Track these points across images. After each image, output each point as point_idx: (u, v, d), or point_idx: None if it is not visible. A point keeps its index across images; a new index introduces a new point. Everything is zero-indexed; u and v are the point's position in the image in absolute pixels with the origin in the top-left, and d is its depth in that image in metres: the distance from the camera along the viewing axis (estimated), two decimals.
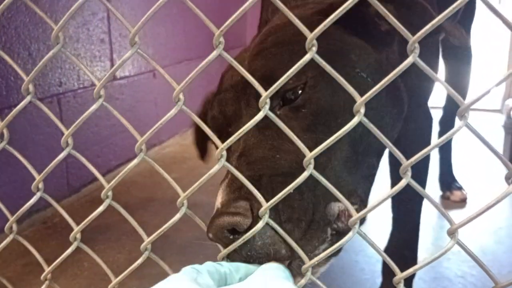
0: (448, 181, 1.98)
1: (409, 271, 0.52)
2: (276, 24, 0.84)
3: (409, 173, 0.50)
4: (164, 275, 1.50)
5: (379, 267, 1.46)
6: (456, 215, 1.81)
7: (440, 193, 1.98)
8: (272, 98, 0.55)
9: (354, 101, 0.51)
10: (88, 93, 2.08)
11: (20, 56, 1.72)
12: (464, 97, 1.91)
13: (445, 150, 1.99)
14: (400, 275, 0.53)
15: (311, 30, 0.51)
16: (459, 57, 1.81)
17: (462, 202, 1.92)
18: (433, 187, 1.97)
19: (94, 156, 2.12)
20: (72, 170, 1.98)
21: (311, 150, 0.53)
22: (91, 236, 1.60)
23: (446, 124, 1.92)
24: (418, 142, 1.12)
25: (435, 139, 1.98)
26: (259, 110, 0.54)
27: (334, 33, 0.74)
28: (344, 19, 0.59)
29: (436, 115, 1.76)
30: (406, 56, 0.49)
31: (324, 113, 0.70)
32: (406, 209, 1.17)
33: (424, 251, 1.48)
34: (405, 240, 1.19)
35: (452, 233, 0.51)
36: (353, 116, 0.51)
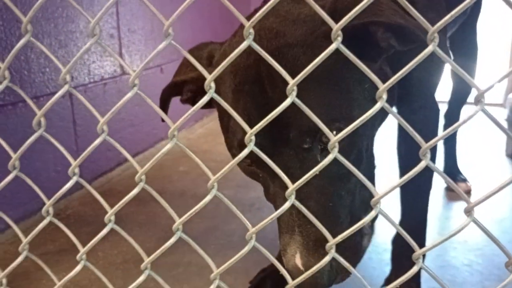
0: (452, 173, 2.01)
1: (428, 247, 0.55)
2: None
3: (429, 155, 0.54)
4: (178, 265, 1.53)
5: (386, 256, 1.49)
6: (461, 206, 1.84)
7: (445, 185, 2.01)
8: (310, 140, 0.70)
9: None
10: (98, 87, 2.11)
11: (34, 50, 1.76)
12: (470, 89, 1.95)
13: (450, 142, 2.02)
14: (419, 251, 0.56)
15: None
16: (465, 51, 1.85)
17: (466, 194, 1.95)
18: (437, 179, 2.00)
19: (104, 149, 2.15)
20: (84, 163, 2.00)
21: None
22: (105, 227, 1.63)
23: (451, 117, 1.96)
24: (425, 132, 1.15)
25: (440, 133, 2.00)
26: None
27: None
28: (349, 34, 0.64)
29: (441, 109, 1.80)
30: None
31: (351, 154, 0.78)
32: (415, 198, 1.21)
33: (430, 241, 1.51)
34: (414, 228, 1.22)
35: (468, 211, 0.54)
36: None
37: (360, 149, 0.79)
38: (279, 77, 0.59)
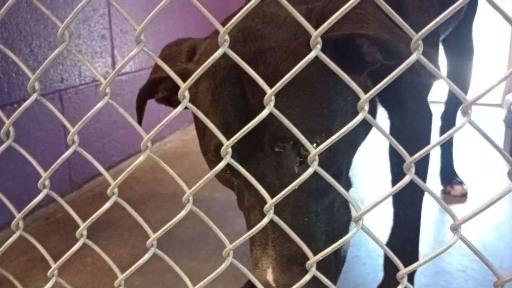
0: (449, 176, 1.99)
1: (413, 266, 0.53)
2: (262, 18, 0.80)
3: (413, 169, 0.51)
4: (167, 271, 1.51)
5: (380, 261, 1.46)
6: (457, 209, 1.82)
7: (441, 187, 1.99)
8: (283, 145, 0.69)
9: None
10: (89, 89, 2.08)
11: (22, 53, 1.73)
12: (465, 92, 1.91)
13: (446, 145, 2.00)
14: (403, 271, 0.53)
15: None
16: (460, 52, 1.82)
17: (462, 197, 1.92)
18: (434, 182, 1.98)
19: (95, 152, 2.12)
20: (74, 166, 1.99)
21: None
22: (94, 232, 1.60)
23: (448, 118, 1.93)
24: (418, 138, 1.12)
25: (436, 134, 1.98)
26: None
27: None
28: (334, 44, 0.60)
29: (438, 110, 1.77)
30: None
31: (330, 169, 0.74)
32: (407, 204, 1.18)
33: (425, 246, 1.49)
34: (407, 235, 1.19)
35: (455, 228, 0.51)
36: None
37: (340, 164, 0.77)
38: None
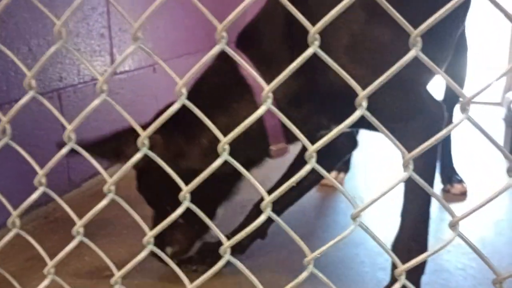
0: (448, 174, 1.98)
1: (410, 263, 0.52)
2: None
3: (411, 166, 0.51)
4: (165, 269, 1.50)
5: (379, 260, 1.46)
6: (457, 207, 1.81)
7: (441, 186, 1.98)
8: None
9: None
10: (88, 88, 2.08)
11: (21, 52, 1.72)
12: (461, 88, 1.89)
13: (445, 143, 1.99)
14: (401, 267, 0.53)
15: None
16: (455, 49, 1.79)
17: (462, 195, 1.92)
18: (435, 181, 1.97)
19: None
20: (73, 165, 1.98)
21: None
22: (92, 230, 1.58)
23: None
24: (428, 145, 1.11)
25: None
26: None
27: None
28: None
29: None
30: None
31: None
32: (416, 203, 1.16)
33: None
34: (415, 234, 1.18)
35: (453, 225, 0.51)
36: None
37: None
38: None
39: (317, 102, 1.09)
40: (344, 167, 2.10)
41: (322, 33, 0.49)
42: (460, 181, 1.96)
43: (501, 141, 2.33)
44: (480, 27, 1.84)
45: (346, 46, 1.00)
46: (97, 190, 2.05)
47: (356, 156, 2.14)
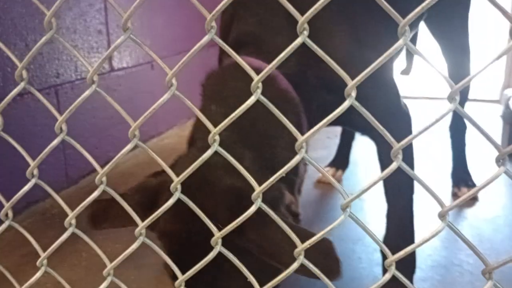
0: (459, 177, 1.92)
1: (399, 254, 0.52)
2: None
3: (400, 156, 0.50)
4: (161, 265, 1.49)
5: (376, 256, 1.46)
6: (449, 201, 1.81)
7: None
8: None
9: None
10: (85, 84, 2.07)
11: (17, 47, 1.72)
12: (466, 89, 1.81)
13: (458, 146, 1.93)
14: (391, 258, 0.53)
15: None
16: (456, 50, 1.75)
17: (471, 200, 1.78)
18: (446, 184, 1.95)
19: (92, 147, 2.12)
20: (70, 162, 1.98)
21: None
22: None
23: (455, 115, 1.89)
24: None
25: (445, 132, 1.95)
26: None
27: None
28: None
29: (420, 106, 1.76)
30: None
31: None
32: (398, 199, 1.18)
33: (419, 238, 1.48)
34: (401, 232, 1.19)
35: (442, 215, 0.51)
36: None
37: None
38: None
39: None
40: (342, 164, 2.10)
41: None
42: (468, 185, 1.88)
43: (499, 138, 2.32)
44: (479, 27, 1.83)
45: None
46: (94, 186, 2.04)
47: (355, 154, 2.15)
